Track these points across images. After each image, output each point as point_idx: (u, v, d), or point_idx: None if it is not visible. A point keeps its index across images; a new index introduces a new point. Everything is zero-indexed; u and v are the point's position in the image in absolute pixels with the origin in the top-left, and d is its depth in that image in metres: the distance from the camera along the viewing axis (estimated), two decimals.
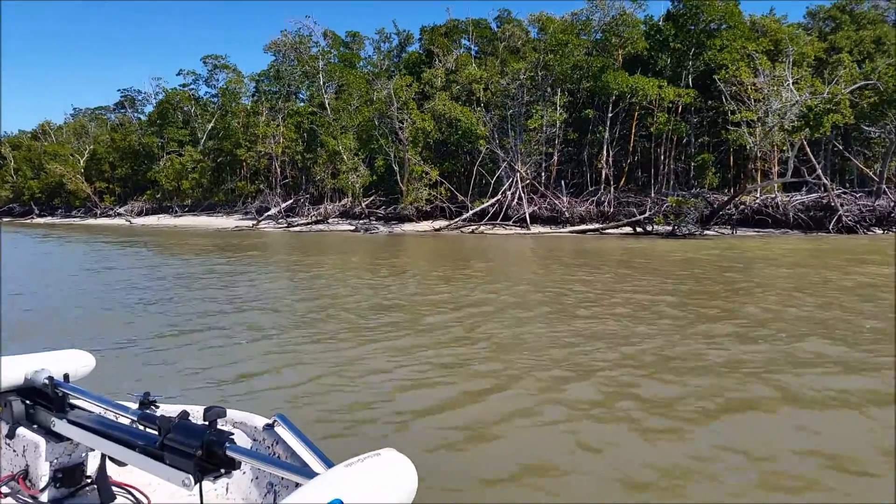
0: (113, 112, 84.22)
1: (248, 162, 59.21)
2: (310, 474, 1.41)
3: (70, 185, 72.68)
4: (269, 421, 2.34)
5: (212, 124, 66.84)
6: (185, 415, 1.67)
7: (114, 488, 2.09)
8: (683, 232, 34.40)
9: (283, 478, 2.19)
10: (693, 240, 32.40)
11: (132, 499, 2.16)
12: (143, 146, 70.09)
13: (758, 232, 36.67)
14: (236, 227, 49.79)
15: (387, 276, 17.54)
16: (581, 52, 44.43)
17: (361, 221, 46.61)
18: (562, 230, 39.42)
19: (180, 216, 63.50)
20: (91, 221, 69.24)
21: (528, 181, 43.14)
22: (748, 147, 39.71)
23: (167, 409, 2.00)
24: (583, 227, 39.02)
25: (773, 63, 37.91)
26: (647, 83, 40.27)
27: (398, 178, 45.57)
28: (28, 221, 76.06)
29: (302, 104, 61.30)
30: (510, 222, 41.31)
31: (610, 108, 42.54)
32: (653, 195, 40.62)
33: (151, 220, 63.88)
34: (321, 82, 52.66)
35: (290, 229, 47.58)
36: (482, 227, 41.33)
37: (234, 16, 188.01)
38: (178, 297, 13.64)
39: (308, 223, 48.73)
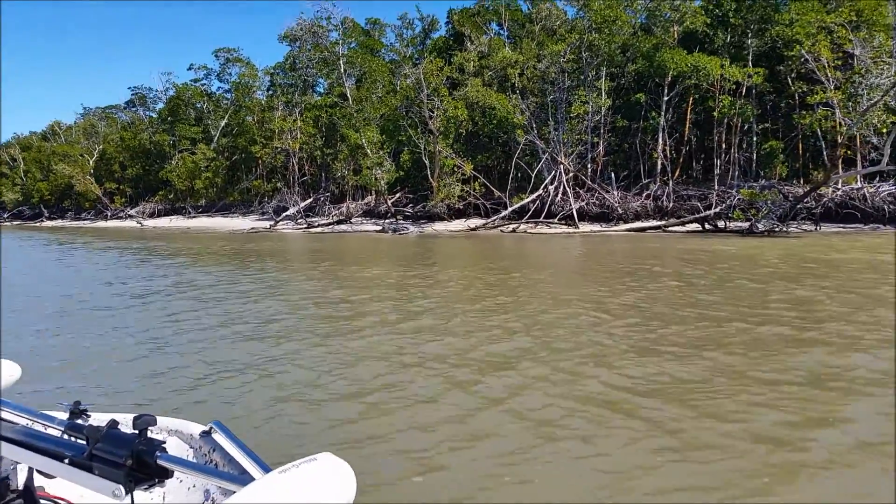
0: (123, 111, 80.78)
1: (263, 159, 55.36)
2: (244, 481, 1.35)
3: (79, 187, 69.39)
4: (206, 428, 2.28)
5: (225, 121, 63.09)
6: (113, 423, 1.59)
7: (42, 502, 2.01)
8: (761, 229, 29.87)
9: (219, 486, 2.11)
10: (775, 238, 27.88)
11: None
12: (154, 145, 66.56)
13: (844, 227, 32.07)
14: (252, 228, 45.81)
15: (443, 301, 13.27)
16: (629, 30, 39.82)
17: (388, 221, 42.43)
18: (615, 228, 34.98)
19: (194, 217, 59.78)
20: (101, 224, 65.88)
21: (571, 173, 38.70)
22: (827, 132, 35.14)
23: (99, 418, 1.82)
24: (641, 224, 34.51)
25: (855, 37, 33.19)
26: (709, 62, 35.61)
27: (428, 172, 41.27)
28: (37, 225, 72.96)
29: (319, 97, 57.36)
30: (555, 220, 36.89)
31: (665, 91, 37.88)
32: (716, 187, 36.01)
33: (163, 222, 60.25)
34: (341, 70, 48.38)
35: (311, 230, 43.53)
36: (523, 226, 36.98)
37: (247, 8, 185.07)
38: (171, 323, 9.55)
39: (329, 223, 44.63)
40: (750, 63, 37.75)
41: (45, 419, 1.94)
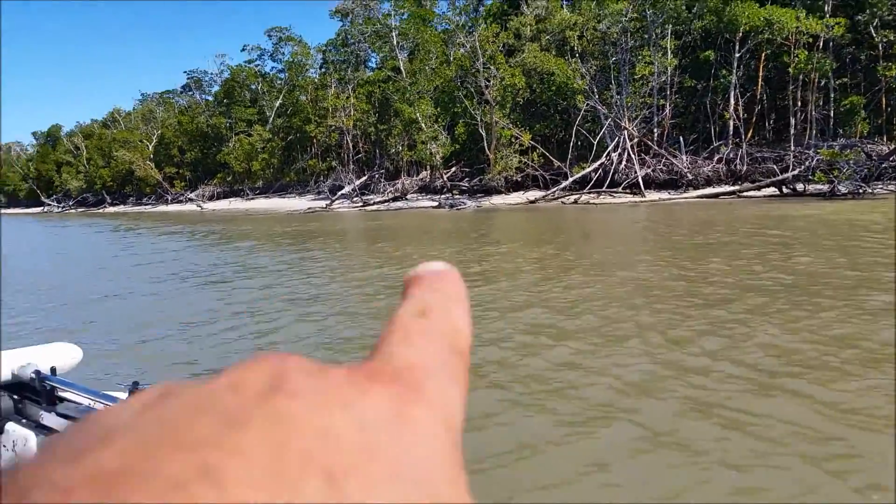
0: (180, 95, 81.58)
1: (318, 138, 54.99)
2: None
3: (139, 172, 70.49)
4: None
5: (279, 101, 62.89)
6: None
7: None
8: (844, 191, 27.77)
9: None
10: (861, 200, 25.83)
11: None
12: (211, 128, 67.03)
13: None
14: (309, 208, 45.49)
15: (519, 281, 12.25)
16: None
17: (444, 196, 41.46)
18: (684, 195, 33.22)
19: (252, 199, 60.04)
20: (162, 208, 66.92)
21: (636, 139, 36.90)
22: None
23: None
24: (713, 189, 32.66)
25: None
26: (784, 14, 33.22)
27: (485, 144, 40.00)
28: (100, 211, 74.63)
29: (372, 72, 56.49)
30: (619, 189, 35.28)
31: (737, 48, 35.57)
32: (792, 148, 33.76)
33: (223, 205, 60.75)
34: (394, 42, 47.27)
35: (366, 208, 42.94)
36: (584, 197, 35.49)
37: None
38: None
39: (385, 201, 43.92)
40: (827, 13, 35.11)
41: (107, 399, 1.96)
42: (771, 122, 39.54)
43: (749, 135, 36.85)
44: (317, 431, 0.18)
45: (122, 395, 1.92)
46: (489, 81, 38.61)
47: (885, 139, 34.79)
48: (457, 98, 41.10)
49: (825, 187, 28.50)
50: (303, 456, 0.17)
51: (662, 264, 11.64)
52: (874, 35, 34.65)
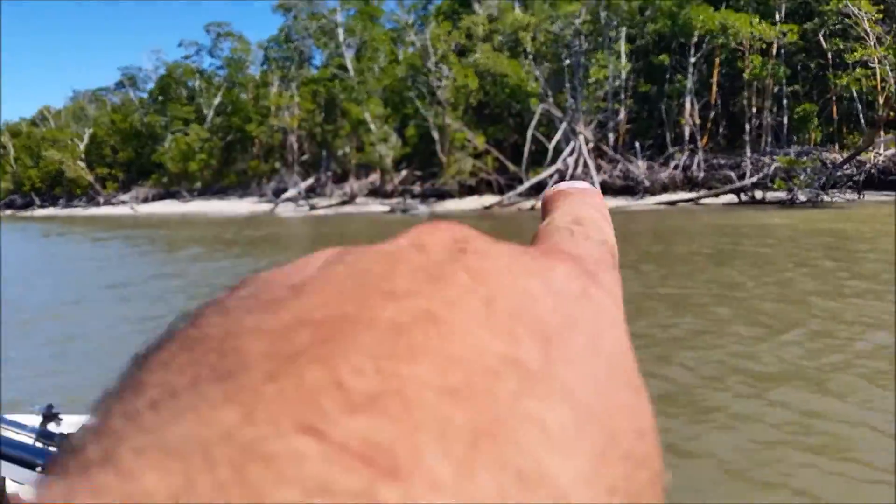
0: (113, 92, 77.67)
1: (260, 138, 52.71)
2: None
3: (70, 173, 66.73)
4: None
5: (218, 99, 60.18)
6: None
7: None
8: (803, 199, 27.47)
9: None
10: (823, 208, 25.51)
11: None
12: (146, 126, 63.75)
13: (889, 195, 29.62)
14: (251, 212, 43.30)
15: None
16: None
17: (396, 200, 39.99)
18: (642, 202, 32.56)
19: (189, 202, 57.20)
20: (94, 211, 63.37)
21: (591, 144, 36.13)
22: (868, 92, 32.61)
23: (71, 422, 1.88)
24: (671, 197, 32.08)
25: None
26: (738, 19, 32.92)
27: (438, 147, 38.62)
28: (28, 214, 70.43)
29: (316, 70, 54.56)
30: None
31: (692, 52, 35.14)
32: (749, 155, 33.48)
33: (158, 208, 57.71)
34: (340, 39, 45.44)
35: (314, 213, 41.08)
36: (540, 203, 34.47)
37: None
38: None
39: (333, 205, 42.07)
40: (778, 20, 35.04)
41: (16, 426, 1.86)
42: (723, 128, 39.39)
43: (704, 141, 36.53)
44: (519, 292, 0.18)
45: (36, 419, 1.83)
46: (441, 82, 37.25)
47: (836, 147, 34.89)
48: (407, 98, 39.62)
49: (784, 195, 28.15)
50: (512, 314, 0.17)
51: (654, 282, 10.49)
52: (824, 43, 34.75)
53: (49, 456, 1.50)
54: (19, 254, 23.68)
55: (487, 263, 0.18)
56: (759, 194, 29.64)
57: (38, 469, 1.52)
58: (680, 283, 10.94)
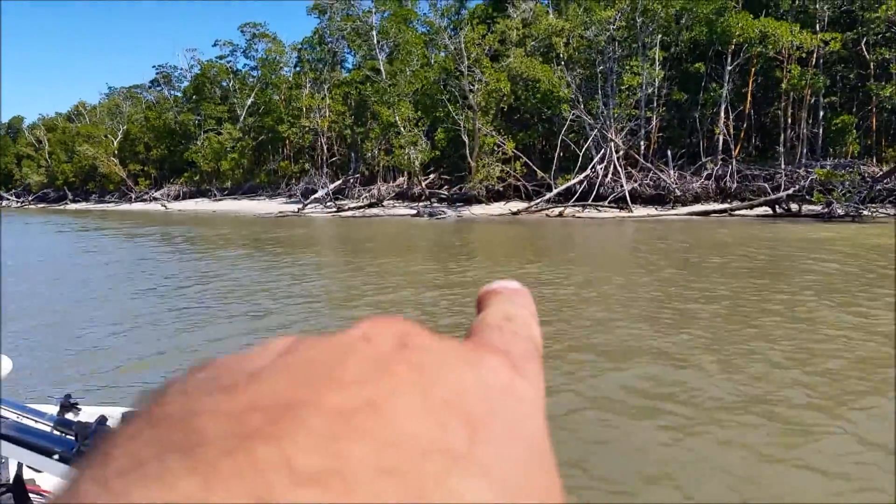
0: (148, 90, 78.75)
1: (291, 139, 52.91)
2: None
3: (103, 168, 67.69)
4: None
5: (251, 99, 60.71)
6: (102, 419, 1.63)
7: (31, 495, 1.96)
8: (841, 213, 26.73)
9: None
10: (863, 224, 24.78)
11: None
12: (179, 125, 64.46)
13: None
14: (280, 212, 43.48)
15: None
16: None
17: (422, 204, 39.84)
18: (673, 212, 32.03)
19: (219, 200, 57.63)
20: (125, 207, 64.15)
21: (622, 151, 35.65)
22: None
23: (89, 412, 1.89)
24: (703, 207, 31.49)
25: None
26: (779, 27, 32.26)
27: (468, 151, 38.39)
28: (61, 208, 71.52)
29: (348, 73, 54.67)
30: (606, 203, 33.97)
31: (729, 60, 34.53)
32: (783, 166, 32.79)
33: (189, 205, 58.24)
34: (374, 41, 45.45)
35: (341, 214, 41.09)
36: (569, 210, 34.12)
37: None
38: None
39: (360, 207, 42.04)
40: (818, 29, 34.24)
41: (35, 414, 1.90)
42: (756, 139, 38.65)
43: (737, 151, 35.84)
44: (452, 383, 0.20)
45: (54, 409, 1.84)
46: (474, 86, 37.03)
47: (874, 160, 34.01)
48: (440, 101, 39.45)
49: (820, 208, 27.45)
50: (445, 403, 0.19)
51: (710, 301, 10.15)
52: (867, 53, 33.92)
53: (65, 444, 1.58)
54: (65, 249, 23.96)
55: (426, 357, 0.21)
56: (794, 207, 28.90)
57: (55, 457, 1.59)
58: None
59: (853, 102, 35.89)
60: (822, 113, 35.58)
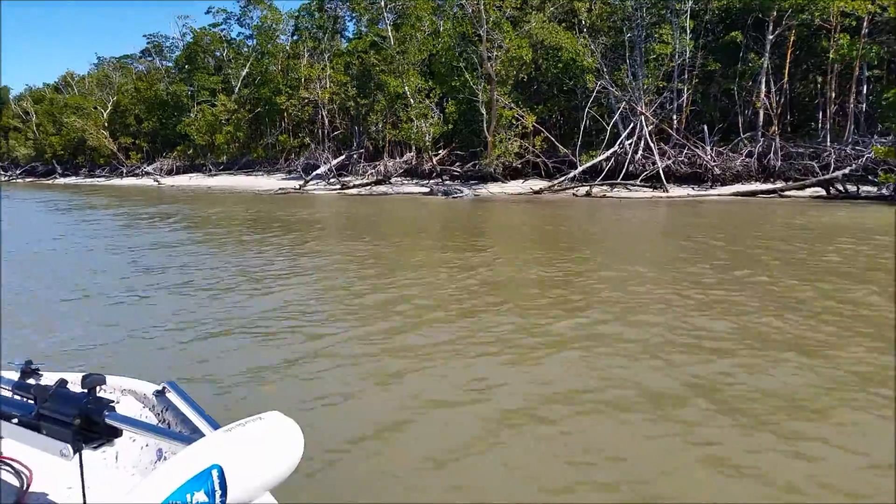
0: (139, 60, 75.20)
1: (290, 112, 49.82)
2: (193, 440, 1.32)
3: (92, 141, 64.62)
4: (159, 387, 2.25)
5: (247, 69, 57.58)
6: (62, 383, 1.58)
7: None
8: None
9: (168, 445, 2.10)
10: None
11: (12, 471, 1.97)
12: (171, 96, 61.25)
13: None
14: (281, 189, 40.66)
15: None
16: None
17: (435, 182, 37.12)
18: (712, 192, 29.46)
19: (215, 175, 54.66)
20: (116, 182, 61.16)
21: (652, 125, 32.94)
22: None
23: (50, 378, 1.77)
24: (749, 187, 28.90)
25: None
26: None
27: (484, 125, 35.53)
28: (49, 182, 68.42)
29: (348, 43, 51.62)
30: (638, 181, 31.31)
31: (770, 29, 31.70)
32: (829, 143, 30.17)
33: (182, 181, 55.28)
34: (382, 3, 42.24)
35: (345, 192, 38.31)
36: (596, 189, 31.48)
37: None
38: None
39: (367, 184, 39.16)
40: None
41: None
42: (790, 115, 35.93)
43: (778, 127, 33.11)
44: None
45: (14, 375, 1.78)
46: (492, 53, 34.04)
47: None
48: (455, 70, 36.43)
49: (884, 190, 24.88)
50: None
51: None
52: None
53: (24, 408, 1.54)
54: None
55: None
56: (851, 188, 26.30)
57: (14, 421, 1.53)
58: None
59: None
60: (866, 86, 32.89)
